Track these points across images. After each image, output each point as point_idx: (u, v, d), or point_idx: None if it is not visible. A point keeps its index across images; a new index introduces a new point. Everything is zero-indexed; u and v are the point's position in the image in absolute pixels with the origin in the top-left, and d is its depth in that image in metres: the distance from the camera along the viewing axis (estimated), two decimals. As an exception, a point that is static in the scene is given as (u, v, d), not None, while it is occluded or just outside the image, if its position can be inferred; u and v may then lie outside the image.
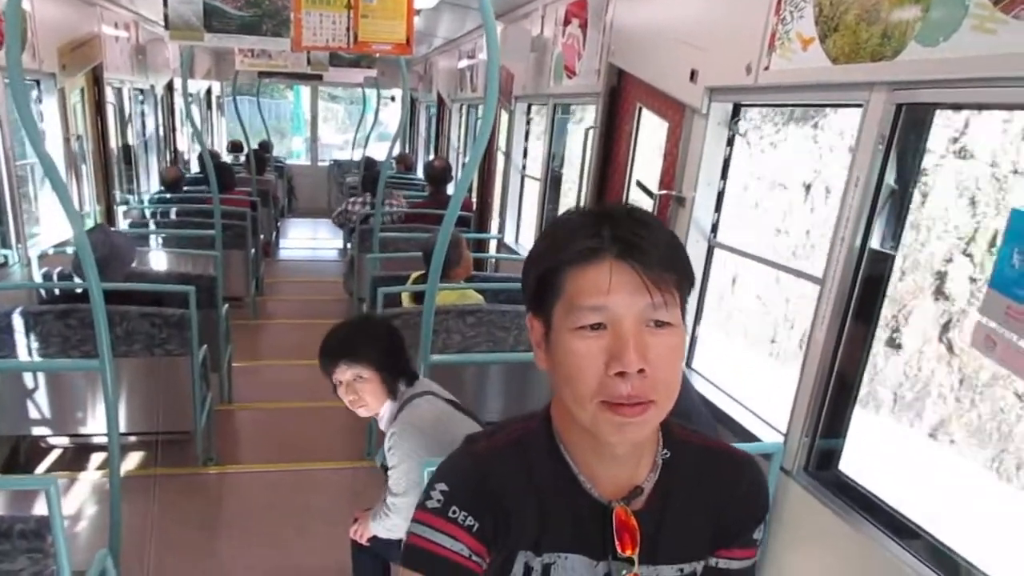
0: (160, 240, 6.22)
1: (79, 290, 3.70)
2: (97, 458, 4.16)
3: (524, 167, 5.38)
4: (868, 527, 1.87)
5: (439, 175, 6.28)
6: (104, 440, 4.15)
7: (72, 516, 3.48)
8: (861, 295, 1.94)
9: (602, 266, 0.89)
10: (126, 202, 7.04)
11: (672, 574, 1.06)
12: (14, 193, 4.22)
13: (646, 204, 3.09)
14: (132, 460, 4.15)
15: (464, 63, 6.88)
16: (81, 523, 3.45)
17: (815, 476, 2.07)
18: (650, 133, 3.22)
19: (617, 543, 1.00)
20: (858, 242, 1.90)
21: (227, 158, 10.87)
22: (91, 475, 3.95)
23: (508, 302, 4.06)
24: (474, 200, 6.63)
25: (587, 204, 3.85)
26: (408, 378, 2.34)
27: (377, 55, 6.49)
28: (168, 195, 7.53)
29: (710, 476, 1.07)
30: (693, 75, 2.62)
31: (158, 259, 6.01)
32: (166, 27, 3.76)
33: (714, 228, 2.75)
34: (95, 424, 3.80)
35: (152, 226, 6.59)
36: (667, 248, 0.91)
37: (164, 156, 8.74)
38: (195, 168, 9.85)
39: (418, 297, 3.99)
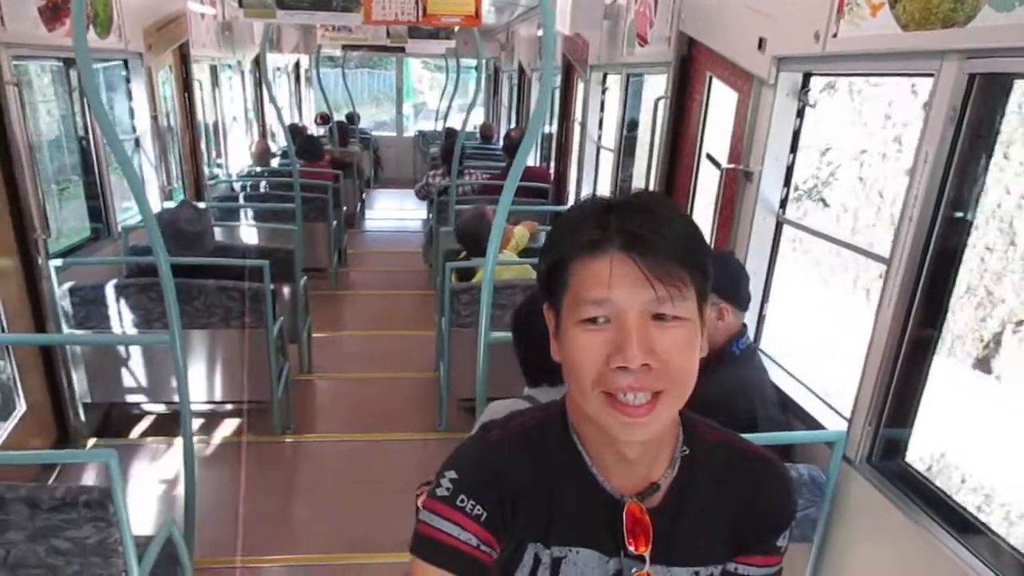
0: (248, 214, 6.41)
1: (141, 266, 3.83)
2: (175, 426, 4.34)
3: (600, 138, 5.28)
4: (932, 524, 1.76)
5: (516, 146, 6.23)
6: (194, 407, 4.36)
7: (150, 483, 3.65)
8: (931, 276, 1.81)
9: (605, 259, 0.87)
10: (214, 177, 7.26)
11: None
12: (104, 169, 4.40)
13: (715, 178, 2.99)
14: (211, 428, 4.31)
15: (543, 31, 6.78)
16: (159, 490, 3.60)
17: (878, 467, 1.97)
18: (721, 104, 3.09)
19: (629, 540, 0.98)
20: (927, 221, 1.78)
21: (315, 130, 11.05)
22: (173, 442, 4.11)
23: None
24: (552, 171, 6.57)
25: (657, 175, 3.78)
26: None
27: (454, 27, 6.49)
28: (257, 169, 7.74)
29: (732, 478, 1.02)
30: (761, 44, 2.49)
31: (240, 233, 6.19)
32: (240, 5, 3.82)
33: (782, 203, 2.63)
34: (190, 392, 3.96)
35: (241, 200, 6.79)
36: (677, 240, 0.87)
37: (253, 130, 8.96)
38: (284, 142, 10.07)
39: (467, 275, 4.01)
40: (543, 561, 1.02)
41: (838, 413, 2.26)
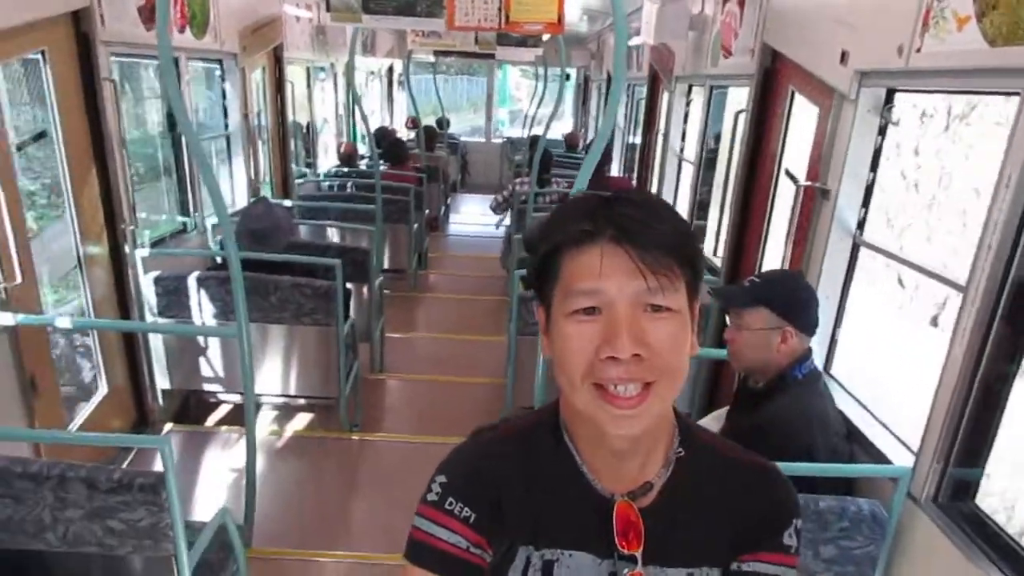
0: (333, 213, 6.56)
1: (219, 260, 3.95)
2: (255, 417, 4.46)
3: (682, 150, 5.19)
4: (1000, 574, 1.65)
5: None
6: (265, 400, 4.48)
7: (218, 470, 3.75)
8: (1010, 307, 1.70)
9: (595, 249, 0.87)
10: (303, 175, 7.46)
11: None
12: (192, 165, 4.56)
13: (792, 196, 2.88)
14: (279, 421, 4.41)
15: (633, 41, 6.72)
16: (228, 478, 3.70)
17: (945, 508, 1.85)
18: (802, 120, 2.99)
19: (620, 540, 0.96)
20: (1008, 247, 1.66)
21: (404, 134, 11.24)
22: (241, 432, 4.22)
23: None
24: (634, 182, 6.50)
25: (734, 190, 3.68)
26: None
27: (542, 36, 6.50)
28: (344, 169, 7.92)
29: (725, 481, 1.01)
30: (844, 57, 2.39)
31: (323, 231, 6.33)
32: (327, 9, 3.92)
33: (860, 224, 2.51)
34: (260, 384, 4.08)
35: (327, 199, 6.96)
36: (667, 233, 0.87)
37: (342, 131, 9.17)
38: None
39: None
40: (533, 563, 1.01)
41: (906, 447, 2.15)
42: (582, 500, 0.99)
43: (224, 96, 5.14)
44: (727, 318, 2.29)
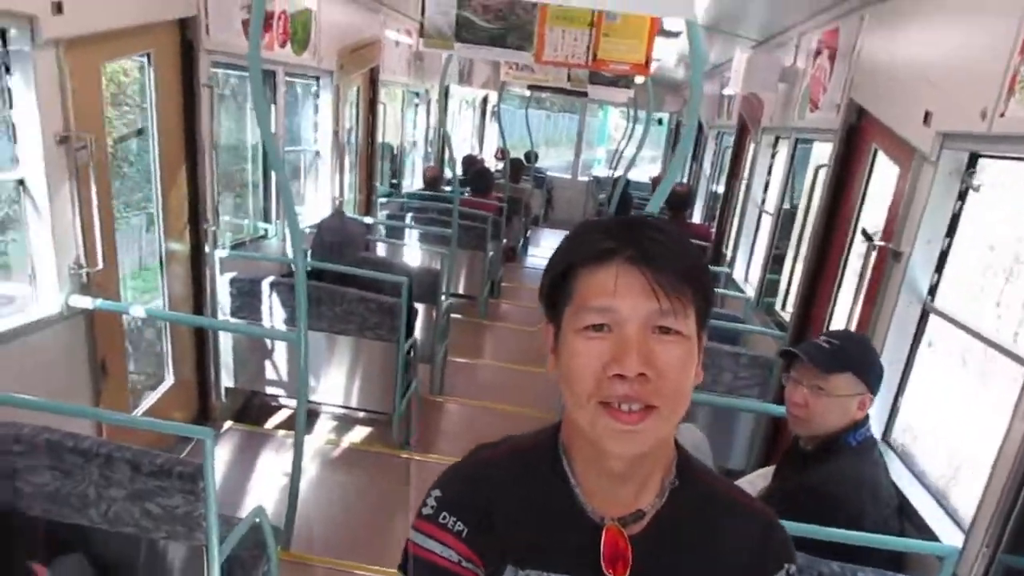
0: (413, 234, 6.69)
1: (309, 268, 4.05)
2: (310, 424, 4.55)
3: (763, 202, 5.12)
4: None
5: (679, 200, 6.15)
6: (325, 409, 4.57)
7: (268, 472, 3.83)
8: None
9: (612, 268, 0.89)
10: (387, 194, 7.63)
11: None
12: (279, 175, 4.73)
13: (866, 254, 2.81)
14: (333, 431, 4.48)
15: (726, 90, 6.69)
16: (276, 480, 3.76)
17: (991, 597, 1.75)
18: (883, 180, 2.91)
19: (607, 565, 0.96)
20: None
21: (492, 164, 11.40)
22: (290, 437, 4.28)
23: (713, 340, 3.89)
24: (713, 230, 6.42)
25: (809, 246, 3.60)
26: None
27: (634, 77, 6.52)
28: (428, 192, 8.07)
29: (718, 518, 1.00)
30: (927, 118, 2.33)
31: (395, 250, 6.45)
32: (421, 35, 4.03)
33: (932, 291, 2.42)
34: (318, 393, 4.17)
35: (408, 219, 7.10)
36: (683, 258, 0.90)
37: (429, 156, 9.36)
38: (459, 170, 10.44)
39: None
40: None
41: (959, 526, 2.04)
42: (572, 522, 0.99)
43: (316, 111, 5.31)
44: (790, 377, 2.17)
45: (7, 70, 2.50)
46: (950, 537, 2.00)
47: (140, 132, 3.32)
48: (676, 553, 0.98)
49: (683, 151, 2.31)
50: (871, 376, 2.04)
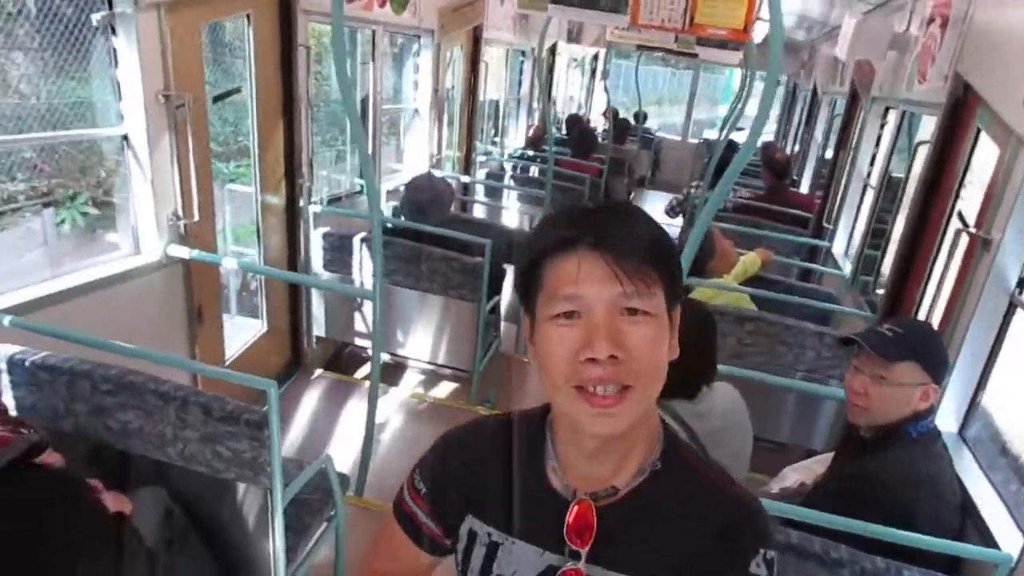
0: (511, 194, 6.73)
1: (389, 224, 4.15)
2: (396, 376, 4.71)
3: (869, 175, 4.87)
4: None
5: (780, 169, 5.93)
6: (412, 363, 4.71)
7: (350, 420, 3.99)
8: None
9: (574, 256, 0.92)
10: (487, 153, 7.67)
11: None
12: (377, 132, 4.84)
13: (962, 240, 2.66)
14: (423, 385, 4.62)
15: (836, 54, 6.36)
16: (352, 427, 3.92)
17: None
18: (984, 160, 2.73)
19: (570, 534, 1.00)
20: None
21: (601, 123, 11.26)
22: (388, 390, 4.44)
23: (803, 318, 3.78)
24: (818, 201, 6.15)
25: (904, 225, 3.42)
26: None
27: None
28: (529, 152, 8.07)
29: (695, 502, 1.01)
30: (1029, 97, 2.17)
31: (490, 211, 6.50)
32: (517, -4, 4.01)
33: (1021, 284, 2.28)
34: (406, 347, 4.32)
35: (507, 179, 7.14)
36: (644, 241, 0.92)
37: (533, 115, 9.32)
38: (563, 130, 10.36)
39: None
40: (479, 537, 1.08)
41: (1022, 531, 1.95)
42: (543, 493, 1.04)
43: (417, 70, 5.38)
44: (854, 365, 2.11)
45: (113, 31, 2.66)
46: (1012, 542, 1.91)
47: (237, 90, 3.46)
48: (644, 532, 1.00)
49: (763, 112, 2.21)
50: (935, 366, 1.96)
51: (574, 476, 1.03)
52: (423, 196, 3.96)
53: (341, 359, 4.85)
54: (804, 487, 2.26)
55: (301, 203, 3.98)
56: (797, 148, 9.39)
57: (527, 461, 1.07)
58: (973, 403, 2.46)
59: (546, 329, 0.94)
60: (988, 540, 1.96)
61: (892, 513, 1.84)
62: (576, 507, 1.01)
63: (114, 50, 2.69)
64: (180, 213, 3.02)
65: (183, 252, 3.07)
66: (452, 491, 1.11)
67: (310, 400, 4.19)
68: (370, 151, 4.83)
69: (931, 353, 1.97)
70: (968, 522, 2.06)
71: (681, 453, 1.05)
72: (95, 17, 2.60)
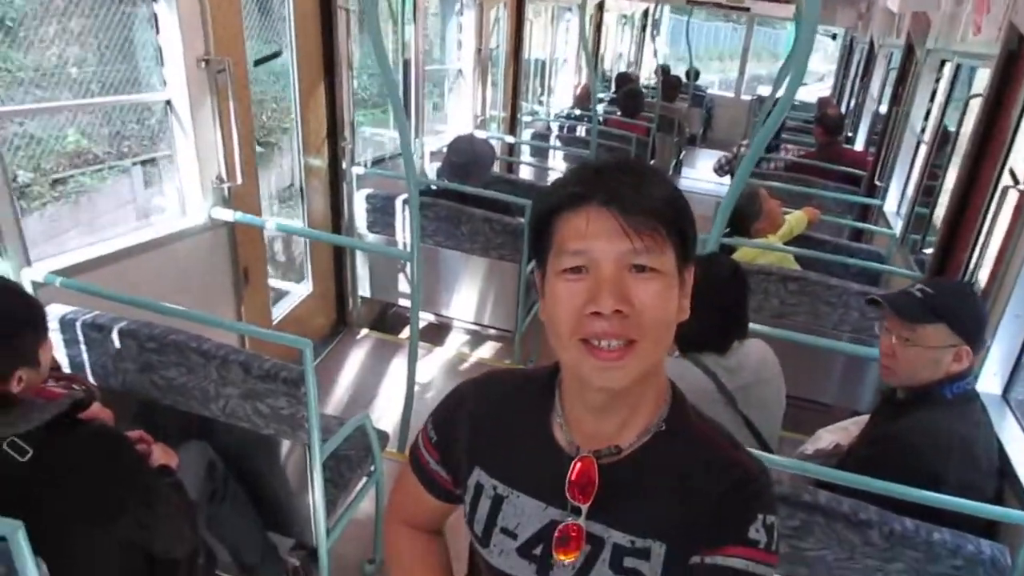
0: (555, 154, 6.67)
1: (433, 187, 4.17)
2: (441, 336, 4.77)
3: (922, 130, 4.71)
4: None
5: (832, 125, 5.78)
6: (457, 323, 4.76)
7: (394, 378, 4.05)
8: None
9: (583, 212, 0.92)
10: (534, 113, 7.61)
11: (623, 542, 1.02)
12: (420, 93, 4.84)
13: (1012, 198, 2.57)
14: (469, 344, 4.67)
15: (889, 4, 6.12)
16: (397, 384, 3.98)
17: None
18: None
19: (571, 490, 1.02)
20: None
21: (648, 82, 11.08)
22: (433, 350, 4.52)
23: (851, 278, 3.71)
24: (873, 160, 5.98)
25: (955, 183, 3.31)
26: None
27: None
28: (576, 112, 7.98)
29: (697, 466, 1.02)
30: (1082, 47, 2.08)
31: (539, 171, 6.47)
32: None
33: (1069, 241, 2.20)
34: (450, 308, 4.38)
35: (552, 139, 7.08)
36: (654, 198, 0.92)
37: (581, 73, 9.20)
38: (611, 89, 10.20)
39: (728, 253, 3.83)
40: (485, 490, 1.11)
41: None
42: (548, 448, 1.07)
43: (460, 29, 5.35)
44: (884, 326, 2.08)
45: (153, -3, 2.71)
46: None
47: (279, 54, 3.49)
48: (645, 492, 1.01)
49: (799, 62, 2.12)
50: (967, 327, 1.91)
51: (579, 433, 1.05)
52: (464, 158, 3.96)
53: (386, 319, 4.93)
54: (839, 448, 2.25)
55: (344, 165, 4.02)
56: (853, 103, 9.11)
57: (534, 416, 1.09)
58: (1018, 364, 2.40)
59: (554, 283, 0.95)
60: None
61: (922, 476, 1.82)
62: (579, 463, 1.02)
63: (156, 16, 2.74)
64: (224, 176, 3.08)
65: (227, 215, 3.13)
66: (460, 441, 1.15)
67: (355, 359, 4.27)
68: (413, 112, 4.86)
69: (961, 315, 1.92)
70: (1007, 487, 2.03)
71: (686, 416, 1.06)
72: (135, -16, 2.65)
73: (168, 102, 2.88)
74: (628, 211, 0.90)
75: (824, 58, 14.92)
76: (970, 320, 1.94)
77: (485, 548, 1.13)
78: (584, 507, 1.02)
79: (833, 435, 2.30)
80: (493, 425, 1.12)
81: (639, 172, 0.95)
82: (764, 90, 13.35)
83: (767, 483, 1.02)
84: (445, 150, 4.21)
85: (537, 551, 1.07)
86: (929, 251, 3.76)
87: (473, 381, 1.20)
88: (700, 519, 0.98)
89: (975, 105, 3.21)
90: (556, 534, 1.04)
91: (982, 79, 3.46)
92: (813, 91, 12.98)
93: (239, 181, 3.11)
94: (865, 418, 2.30)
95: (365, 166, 4.27)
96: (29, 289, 2.29)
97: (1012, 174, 2.60)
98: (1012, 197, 2.48)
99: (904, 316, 1.94)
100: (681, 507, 1.00)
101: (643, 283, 0.91)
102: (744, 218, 3.77)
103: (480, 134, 5.84)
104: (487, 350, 4.72)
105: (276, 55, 3.48)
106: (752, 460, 1.04)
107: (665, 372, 1.06)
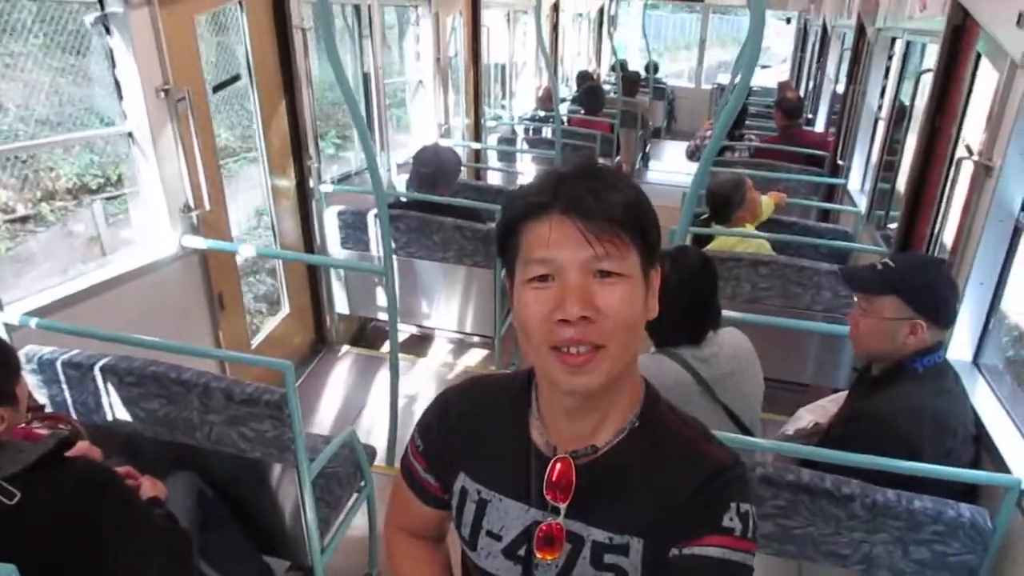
0: (524, 157, 6.69)
1: (404, 199, 4.19)
2: (424, 347, 4.78)
3: (880, 107, 4.79)
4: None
5: (792, 109, 5.86)
6: (439, 333, 4.77)
7: (378, 392, 4.06)
8: None
9: (546, 221, 0.94)
10: (497, 118, 7.64)
11: (602, 539, 1.04)
12: (381, 106, 4.85)
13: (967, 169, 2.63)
14: (452, 353, 4.69)
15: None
16: (378, 396, 4.01)
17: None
18: (986, 87, 2.68)
19: (549, 491, 1.05)
20: None
21: (609, 79, 11.13)
22: (416, 362, 4.52)
23: (821, 258, 3.78)
24: (831, 140, 6.07)
25: (913, 159, 3.38)
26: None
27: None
28: (540, 113, 8.02)
29: (670, 461, 1.04)
30: (1020, 19, 2.13)
31: (507, 175, 6.49)
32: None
33: (1025, 207, 2.26)
34: (431, 318, 4.39)
35: (519, 142, 7.11)
36: (615, 204, 0.93)
37: (541, 76, 9.24)
38: (572, 88, 10.25)
39: (702, 241, 3.87)
40: (470, 496, 1.13)
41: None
42: (527, 450, 1.09)
43: (417, 41, 5.37)
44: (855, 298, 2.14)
45: (107, 31, 2.70)
46: (1024, 468, 1.92)
47: (237, 78, 3.49)
48: (621, 489, 1.04)
49: (752, 47, 2.12)
50: (921, 301, 1.93)
51: (556, 434, 1.07)
52: (430, 167, 3.98)
53: (366, 334, 4.93)
54: (818, 427, 2.29)
55: (311, 183, 4.02)
56: (812, 85, 9.23)
57: (512, 420, 1.12)
58: (986, 331, 2.46)
59: (522, 292, 0.97)
60: (1001, 467, 1.97)
61: (897, 449, 1.85)
62: (558, 464, 1.05)
63: (111, 50, 2.74)
64: (191, 204, 3.08)
65: (198, 242, 3.13)
66: (444, 448, 1.17)
67: (338, 376, 4.27)
68: (376, 126, 4.87)
69: (914, 288, 1.95)
70: (984, 453, 2.07)
71: (660, 412, 1.08)
72: (87, 19, 2.64)
73: (130, 134, 2.87)
74: (589, 218, 0.92)
75: (787, 41, 15.04)
76: (924, 294, 1.95)
77: (473, 551, 1.15)
78: (563, 507, 1.04)
79: (812, 414, 2.35)
80: (474, 431, 1.15)
81: (600, 178, 0.97)
82: (724, 78, 13.48)
83: (740, 473, 1.04)
84: (412, 161, 4.23)
85: (521, 552, 1.10)
86: (894, 226, 3.84)
87: (455, 388, 1.22)
88: (675, 513, 1.00)
89: (927, 80, 3.27)
90: (537, 534, 1.06)
91: (933, 54, 3.53)
92: (775, 73, 13.14)
93: (207, 208, 3.11)
94: (843, 395, 2.34)
95: (333, 183, 4.27)
96: (2, 331, 2.28)
97: (967, 147, 2.66)
98: (967, 168, 2.53)
99: (856, 287, 2.01)
100: (656, 502, 1.02)
101: (608, 288, 0.93)
102: (727, 205, 3.80)
103: (445, 142, 5.85)
104: (471, 357, 4.73)
105: (235, 79, 3.47)
106: (725, 451, 1.05)
107: (638, 370, 1.08)
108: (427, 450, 1.19)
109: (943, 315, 1.98)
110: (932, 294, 1.97)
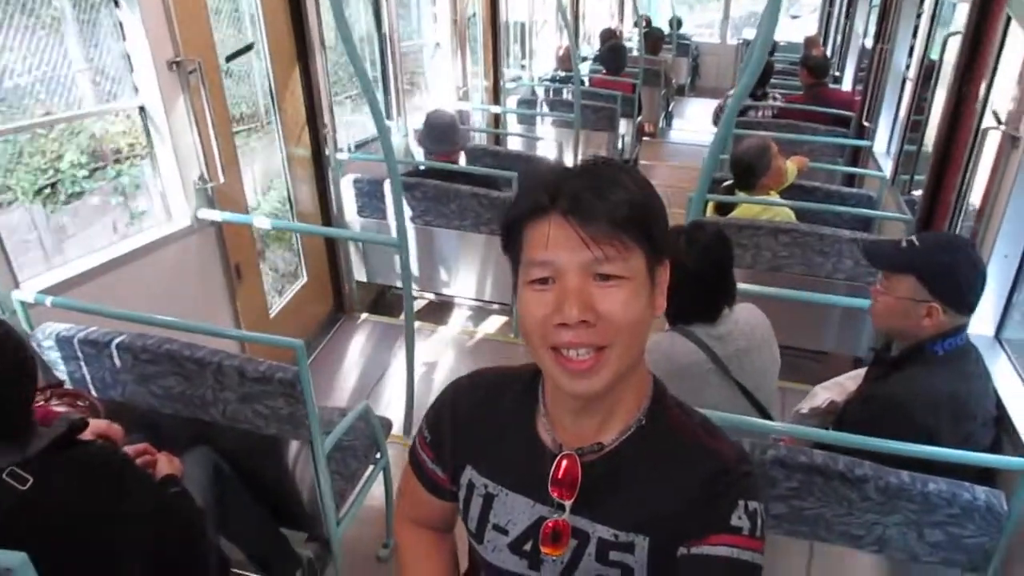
0: (543, 119, 6.61)
1: (422, 167, 4.15)
2: (444, 315, 4.79)
3: (908, 66, 4.66)
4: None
5: (818, 67, 5.71)
6: (459, 301, 4.78)
7: (398, 360, 4.07)
8: None
9: (546, 222, 0.93)
10: (517, 78, 7.53)
11: (607, 536, 1.04)
12: (397, 70, 4.79)
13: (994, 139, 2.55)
14: (471, 320, 4.71)
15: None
16: (398, 364, 4.02)
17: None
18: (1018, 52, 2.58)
19: (554, 488, 1.04)
20: None
21: (632, 36, 10.92)
22: (437, 329, 4.54)
23: (845, 224, 3.70)
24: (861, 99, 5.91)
25: (939, 125, 3.28)
26: None
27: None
28: (561, 73, 7.88)
29: (678, 459, 1.03)
30: (1053, -18, 2.04)
31: (526, 139, 6.40)
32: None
33: (1052, 181, 2.19)
34: (450, 286, 4.39)
35: (539, 104, 7.01)
36: (617, 205, 0.91)
37: (563, 33, 9.08)
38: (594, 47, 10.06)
39: (725, 208, 3.81)
40: (476, 488, 1.14)
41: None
42: (534, 446, 1.09)
43: (434, 2, 5.28)
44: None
45: (116, 3, 2.67)
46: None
47: (250, 47, 3.45)
48: (628, 487, 1.03)
49: (772, 15, 2.06)
50: (939, 284, 1.87)
51: (562, 431, 1.07)
52: (435, 132, 3.96)
53: (385, 301, 4.94)
54: (834, 405, 2.26)
55: (326, 151, 4.00)
56: (840, 40, 8.99)
57: (519, 415, 1.11)
58: (1009, 304, 2.41)
59: (524, 293, 0.96)
60: (1020, 447, 1.94)
61: (914, 434, 1.82)
62: (564, 461, 1.04)
63: (121, 23, 2.71)
64: (206, 176, 3.07)
65: (213, 215, 3.13)
66: (451, 440, 1.17)
67: (357, 344, 4.29)
68: (392, 91, 4.82)
69: (933, 270, 1.88)
70: (1003, 435, 2.04)
71: (667, 409, 1.08)
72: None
73: (142, 108, 2.86)
74: (589, 220, 0.90)
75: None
76: (943, 277, 1.88)
77: (480, 545, 1.16)
78: (568, 503, 1.04)
79: (828, 392, 2.32)
80: (481, 424, 1.15)
81: (603, 175, 0.95)
82: (752, 32, 13.16)
83: (747, 470, 1.03)
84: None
85: (527, 547, 1.10)
86: (918, 193, 3.75)
87: (462, 380, 1.22)
88: (682, 511, 1.00)
89: (953, 44, 3.16)
90: (543, 530, 1.06)
91: (962, 15, 3.41)
92: (805, 25, 12.80)
93: (221, 180, 3.10)
94: (860, 372, 2.31)
95: (349, 150, 4.25)
96: (19, 310, 2.30)
97: (995, 115, 2.57)
98: (994, 137, 2.45)
99: (877, 263, 1.97)
100: (663, 499, 1.01)
101: (608, 291, 0.92)
102: (752, 172, 3.73)
103: (463, 106, 5.80)
104: (490, 324, 4.73)
105: (248, 48, 3.44)
106: (732, 447, 1.05)
107: (646, 366, 1.07)
108: (434, 441, 1.20)
109: (962, 300, 1.90)
110: (952, 278, 1.89)
